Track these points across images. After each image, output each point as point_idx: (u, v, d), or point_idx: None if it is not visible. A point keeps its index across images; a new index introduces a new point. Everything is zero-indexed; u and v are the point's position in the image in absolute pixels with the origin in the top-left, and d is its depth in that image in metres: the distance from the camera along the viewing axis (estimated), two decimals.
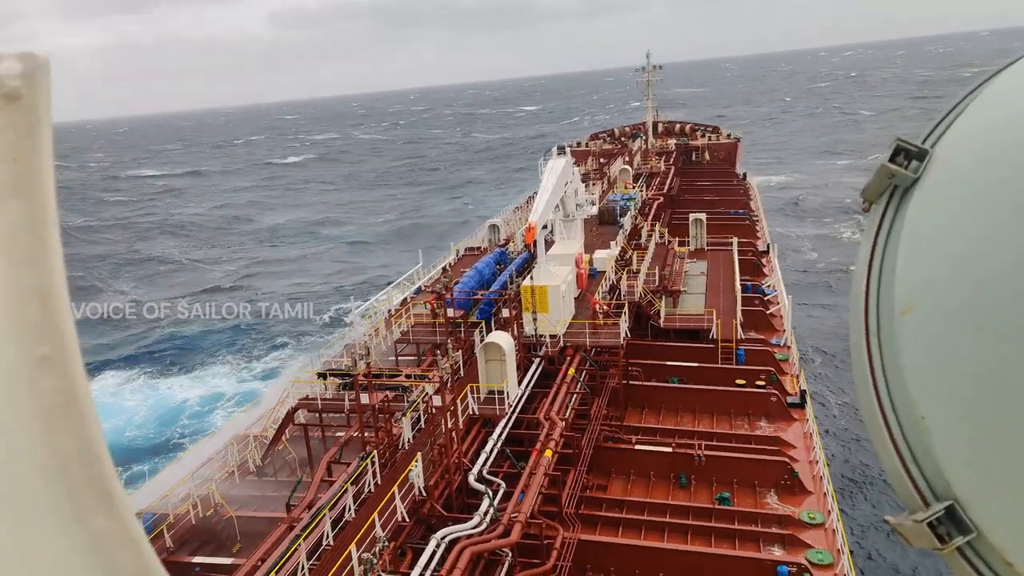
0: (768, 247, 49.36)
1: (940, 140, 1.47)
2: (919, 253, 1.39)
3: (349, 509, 20.55)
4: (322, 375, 26.82)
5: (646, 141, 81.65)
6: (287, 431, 26.99)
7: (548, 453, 23.08)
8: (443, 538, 19.30)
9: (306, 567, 18.43)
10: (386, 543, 18.03)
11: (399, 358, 32.74)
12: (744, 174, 73.76)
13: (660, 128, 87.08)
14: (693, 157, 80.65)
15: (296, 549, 18.87)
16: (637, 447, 26.14)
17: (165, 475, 26.79)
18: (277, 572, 18.13)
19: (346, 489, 21.00)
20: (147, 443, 44.04)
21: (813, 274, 62.55)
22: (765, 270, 45.64)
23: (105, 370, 54.83)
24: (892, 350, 1.40)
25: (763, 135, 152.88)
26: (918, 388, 1.33)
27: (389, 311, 35.43)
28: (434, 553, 18.76)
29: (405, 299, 37.29)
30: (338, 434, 26.75)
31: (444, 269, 43.53)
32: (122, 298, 75.70)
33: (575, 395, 27.90)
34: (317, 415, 27.51)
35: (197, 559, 22.30)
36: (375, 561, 17.22)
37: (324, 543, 19.45)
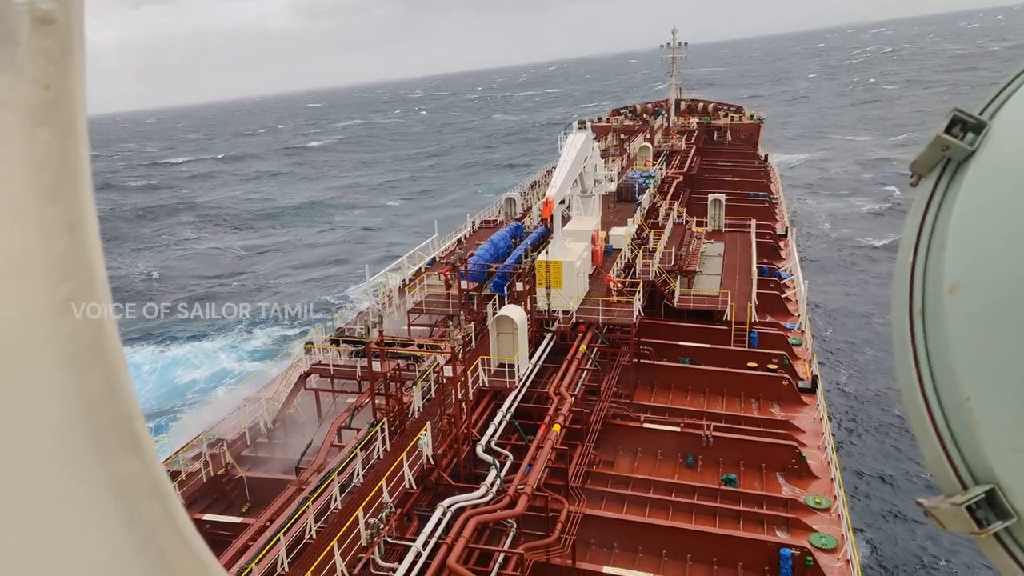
0: (786, 230, 48.90)
1: (999, 112, 1.41)
2: (971, 230, 1.33)
3: (357, 474, 20.78)
4: (335, 341, 27.01)
5: (668, 119, 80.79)
6: (299, 395, 27.24)
7: (556, 428, 23.18)
8: (449, 506, 19.48)
9: (313, 529, 18.70)
10: (393, 509, 18.23)
11: (412, 328, 32.88)
12: (766, 156, 72.91)
13: (683, 106, 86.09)
14: (715, 137, 79.74)
15: (304, 511, 19.13)
16: (645, 425, 26.18)
17: (177, 434, 27.17)
18: (285, 533, 18.39)
19: (355, 455, 21.22)
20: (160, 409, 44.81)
21: (833, 257, 61.86)
22: (782, 254, 45.28)
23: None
24: (937, 329, 1.35)
25: (790, 113, 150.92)
26: (963, 369, 1.29)
27: (403, 281, 35.52)
28: (440, 521, 18.95)
29: (419, 270, 37.36)
30: (349, 400, 26.97)
31: (459, 241, 43.52)
32: (137, 273, 76.69)
33: (586, 371, 27.93)
34: (329, 380, 27.74)
35: (207, 517, 22.67)
36: (382, 526, 17.44)
37: (332, 507, 19.71)
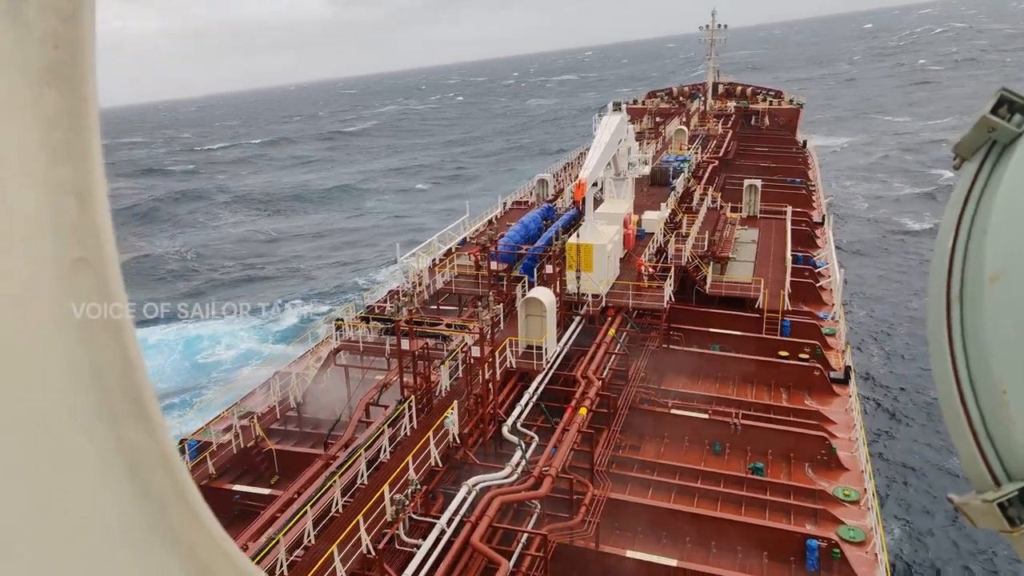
0: (823, 218, 48.08)
1: None
2: (1016, 215, 1.26)
3: (384, 451, 21.00)
4: (365, 319, 27.24)
5: (705, 102, 79.64)
6: (328, 371, 27.55)
7: (583, 411, 23.17)
8: (474, 485, 19.62)
9: (340, 503, 18.96)
10: (418, 486, 18.40)
11: (441, 307, 33.02)
12: (804, 142, 71.58)
13: (720, 89, 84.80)
14: (752, 121, 78.42)
15: (331, 485, 19.40)
16: (673, 411, 26.05)
17: (206, 407, 27.68)
18: (312, 505, 18.67)
19: (383, 431, 21.43)
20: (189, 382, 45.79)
21: (872, 243, 60.62)
22: (818, 241, 44.53)
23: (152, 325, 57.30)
24: (976, 318, 1.29)
25: (832, 96, 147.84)
26: (1001, 361, 1.23)
27: (433, 260, 35.63)
28: (465, 499, 19.10)
29: (450, 250, 37.44)
30: (377, 377, 27.21)
31: (490, 222, 43.48)
32: (172, 252, 78.25)
33: (614, 355, 27.84)
34: (358, 357, 28.00)
35: (237, 487, 23.10)
36: (407, 503, 17.62)
37: (358, 482, 19.95)
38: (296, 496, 20.34)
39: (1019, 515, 1.21)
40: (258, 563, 16.76)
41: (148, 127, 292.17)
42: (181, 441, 23.71)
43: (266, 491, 22.69)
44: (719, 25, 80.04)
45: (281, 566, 16.73)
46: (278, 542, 17.19)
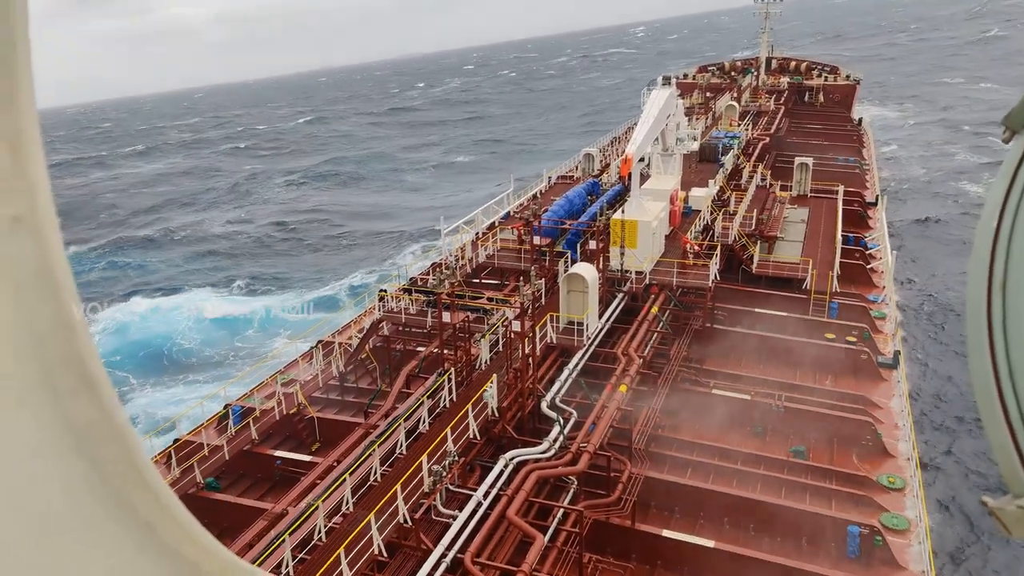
0: (877, 198, 46.72)
1: None
2: None
3: (423, 422, 21.17)
4: (407, 290, 27.39)
5: (757, 77, 77.70)
6: (371, 341, 27.84)
7: (623, 388, 23.01)
8: (512, 459, 19.68)
9: (379, 472, 19.20)
10: (456, 458, 18.51)
11: (482, 281, 33.03)
12: (860, 119, 69.46)
13: (774, 64, 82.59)
14: (806, 98, 76.34)
15: (371, 454, 19.65)
16: (715, 391, 25.73)
17: (255, 371, 28.23)
18: (351, 473, 18.94)
19: (422, 402, 21.59)
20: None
21: (929, 224, 58.74)
22: (871, 222, 43.34)
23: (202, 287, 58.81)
24: (1019, 305, 1.12)
25: (894, 65, 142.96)
26: None
27: (477, 234, 35.61)
28: (502, 473, 19.18)
29: (493, 223, 37.35)
30: (419, 349, 27.41)
31: (534, 196, 43.26)
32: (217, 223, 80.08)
33: (656, 334, 27.55)
34: (400, 328, 28.23)
35: (279, 452, 23.59)
36: (444, 474, 17.75)
37: (397, 451, 20.18)
38: (336, 464, 20.68)
39: None
40: (295, 530, 17.11)
41: (199, 109, 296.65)
42: (225, 406, 24.23)
43: (307, 458, 23.12)
44: None
45: (319, 532, 17.04)
46: (317, 508, 17.49)
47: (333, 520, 17.57)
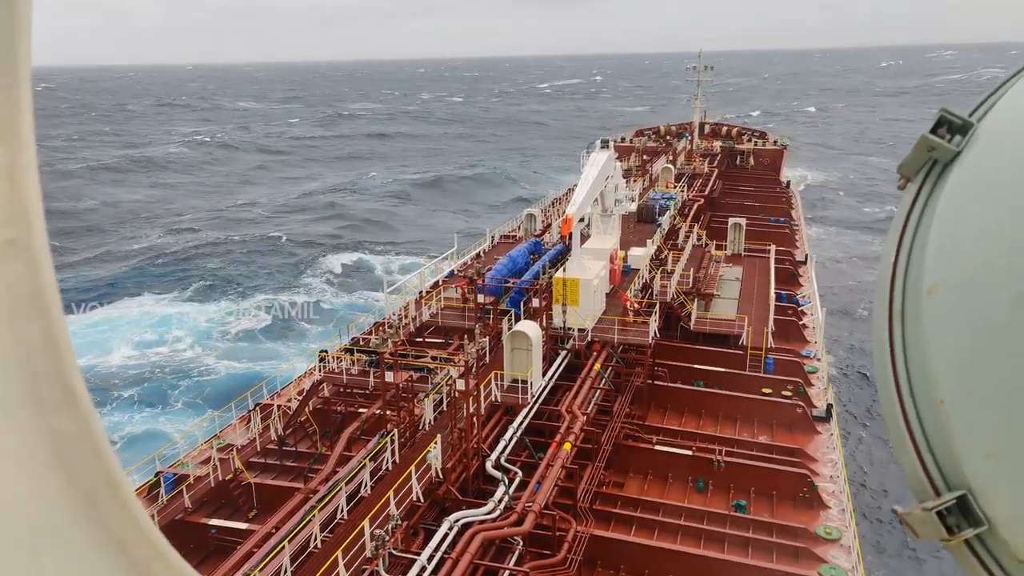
0: (806, 257, 48.54)
1: (988, 114, 1.38)
2: (952, 231, 1.31)
3: (365, 485, 20.73)
4: (349, 350, 27.05)
5: (691, 141, 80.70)
6: (310, 403, 27.29)
7: (567, 446, 23.03)
8: (456, 521, 19.38)
9: (319, 538, 18.65)
10: (399, 521, 18.15)
11: (426, 340, 32.87)
12: (788, 182, 72.52)
13: (707, 129, 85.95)
14: (738, 161, 79.46)
15: (311, 520, 19.10)
16: (657, 447, 25.95)
17: (187, 436, 27.27)
18: (290, 540, 18.36)
19: (364, 465, 21.19)
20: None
21: (853, 283, 61.29)
22: (801, 280, 44.90)
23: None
24: (915, 330, 1.32)
25: (815, 133, 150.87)
26: (939, 371, 1.26)
27: (420, 292, 35.57)
28: (446, 535, 18.85)
29: (437, 282, 37.42)
30: (360, 410, 26.96)
31: (478, 255, 43.59)
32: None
33: (599, 391, 27.76)
34: (341, 390, 27.77)
35: (214, 521, 22.68)
36: (387, 538, 17.36)
37: (338, 516, 19.66)
38: (274, 530, 20.01)
39: (957, 523, 1.24)
40: None
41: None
42: (157, 474, 23.25)
43: (244, 525, 22.28)
44: (706, 66, 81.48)
45: None
46: None
47: None
